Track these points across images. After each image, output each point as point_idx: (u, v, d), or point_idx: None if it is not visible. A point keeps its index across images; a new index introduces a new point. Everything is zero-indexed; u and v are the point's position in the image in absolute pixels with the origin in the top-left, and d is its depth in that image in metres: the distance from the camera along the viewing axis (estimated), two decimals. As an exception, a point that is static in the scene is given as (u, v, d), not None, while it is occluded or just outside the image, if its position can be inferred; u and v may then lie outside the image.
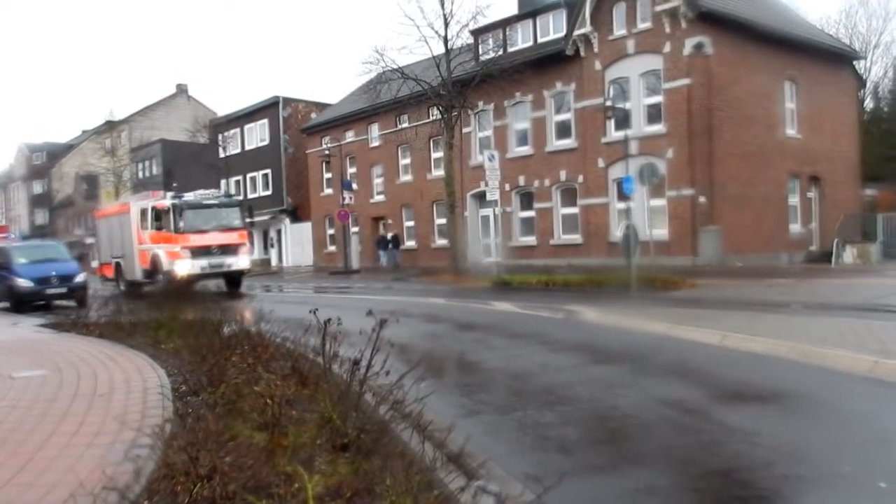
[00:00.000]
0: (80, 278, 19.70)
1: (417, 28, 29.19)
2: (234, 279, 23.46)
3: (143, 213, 23.37)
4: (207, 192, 25.06)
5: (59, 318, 14.06)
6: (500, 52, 27.46)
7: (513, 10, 31.65)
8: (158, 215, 22.35)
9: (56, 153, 75.11)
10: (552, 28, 28.69)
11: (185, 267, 21.25)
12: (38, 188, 76.44)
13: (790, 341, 8.46)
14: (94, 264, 32.81)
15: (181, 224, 21.72)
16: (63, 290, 19.29)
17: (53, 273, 19.25)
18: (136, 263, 23.88)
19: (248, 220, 24.62)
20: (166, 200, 22.50)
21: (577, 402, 6.67)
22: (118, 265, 25.54)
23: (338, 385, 5.50)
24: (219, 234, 22.26)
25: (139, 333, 10.18)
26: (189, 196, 23.25)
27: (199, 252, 21.70)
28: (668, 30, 23.67)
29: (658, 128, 24.20)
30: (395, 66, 25.17)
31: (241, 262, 22.85)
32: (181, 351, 8.21)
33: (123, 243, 24.95)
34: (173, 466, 3.96)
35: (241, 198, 26.95)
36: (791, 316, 11.16)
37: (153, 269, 22.53)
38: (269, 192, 45.55)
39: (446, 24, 23.84)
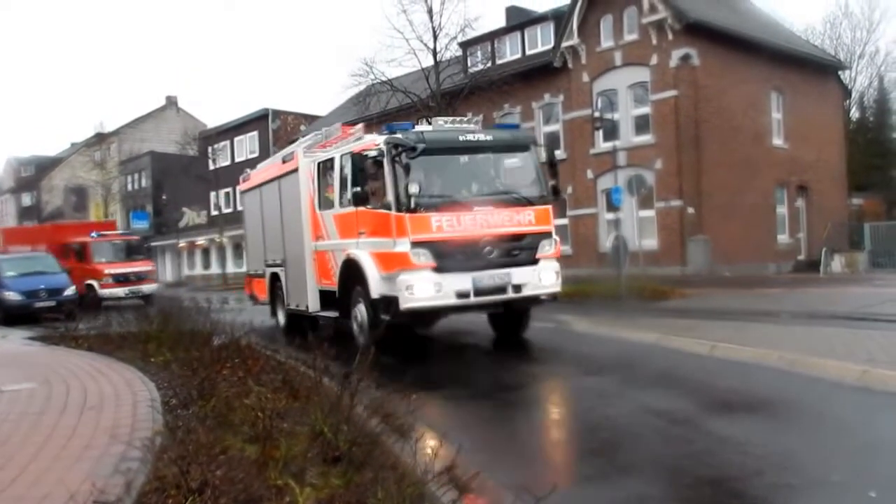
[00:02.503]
0: (69, 292, 19.69)
1: (406, 41, 28.99)
2: (516, 314, 11.08)
3: (325, 171, 11.81)
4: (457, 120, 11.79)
5: (48, 331, 13.97)
6: (489, 64, 27.52)
7: (501, 22, 31.85)
8: (359, 172, 10.04)
9: (45, 166, 74.63)
10: (540, 40, 28.85)
11: (422, 291, 9.47)
12: (26, 201, 75.94)
13: (779, 351, 8.50)
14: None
15: (411, 190, 9.47)
16: (52, 303, 19.19)
17: (42, 286, 19.18)
18: (308, 277, 12.16)
19: (552, 182, 10.89)
20: (377, 136, 10.27)
21: (568, 411, 6.69)
22: (275, 279, 14.07)
23: (329, 397, 5.50)
24: (495, 215, 9.94)
25: (128, 346, 10.12)
26: (425, 126, 10.65)
27: (453, 257, 9.66)
28: (654, 41, 23.83)
29: (646, 138, 24.31)
30: (385, 79, 25.21)
31: (544, 278, 10.27)
32: (171, 364, 8.17)
33: (285, 236, 13.33)
34: (164, 479, 3.95)
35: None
36: (780, 325, 11.21)
37: (343, 291, 10.92)
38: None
39: (435, 37, 23.90)
